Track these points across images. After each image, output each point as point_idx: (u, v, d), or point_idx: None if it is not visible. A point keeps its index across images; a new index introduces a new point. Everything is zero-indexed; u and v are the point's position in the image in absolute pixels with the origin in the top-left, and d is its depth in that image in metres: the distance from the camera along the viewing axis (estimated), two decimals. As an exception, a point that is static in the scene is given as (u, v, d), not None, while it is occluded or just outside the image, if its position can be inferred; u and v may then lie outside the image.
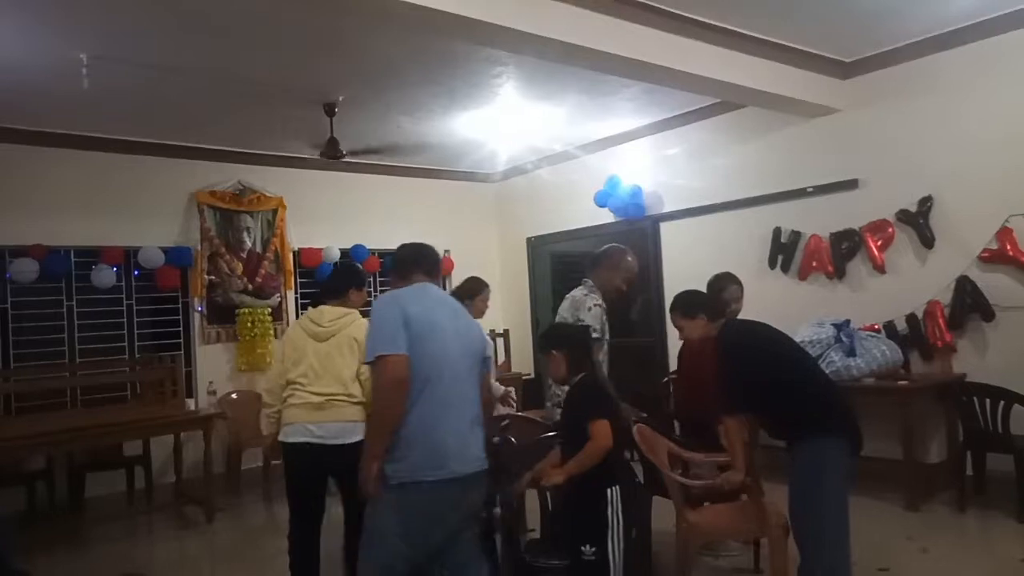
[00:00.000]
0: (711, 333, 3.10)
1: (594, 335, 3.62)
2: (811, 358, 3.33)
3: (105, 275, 5.96)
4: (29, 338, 5.77)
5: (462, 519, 2.58)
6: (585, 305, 3.71)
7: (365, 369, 3.19)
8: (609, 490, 2.72)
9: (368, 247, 7.32)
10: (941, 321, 4.81)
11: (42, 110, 5.27)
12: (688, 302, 3.21)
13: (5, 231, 5.58)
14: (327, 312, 3.44)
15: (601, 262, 3.90)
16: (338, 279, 3.70)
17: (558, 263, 7.97)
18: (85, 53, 4.17)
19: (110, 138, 5.96)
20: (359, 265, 4.05)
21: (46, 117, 5.45)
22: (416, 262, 2.77)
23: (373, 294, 7.19)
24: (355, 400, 3.30)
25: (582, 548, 2.68)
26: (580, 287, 3.86)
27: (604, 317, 3.74)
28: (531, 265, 7.94)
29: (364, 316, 3.14)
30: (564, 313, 3.77)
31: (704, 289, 3.87)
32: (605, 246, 4.05)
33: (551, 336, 3.11)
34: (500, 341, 7.18)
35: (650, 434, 3.58)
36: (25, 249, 5.65)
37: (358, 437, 3.13)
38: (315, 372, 3.31)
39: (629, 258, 3.93)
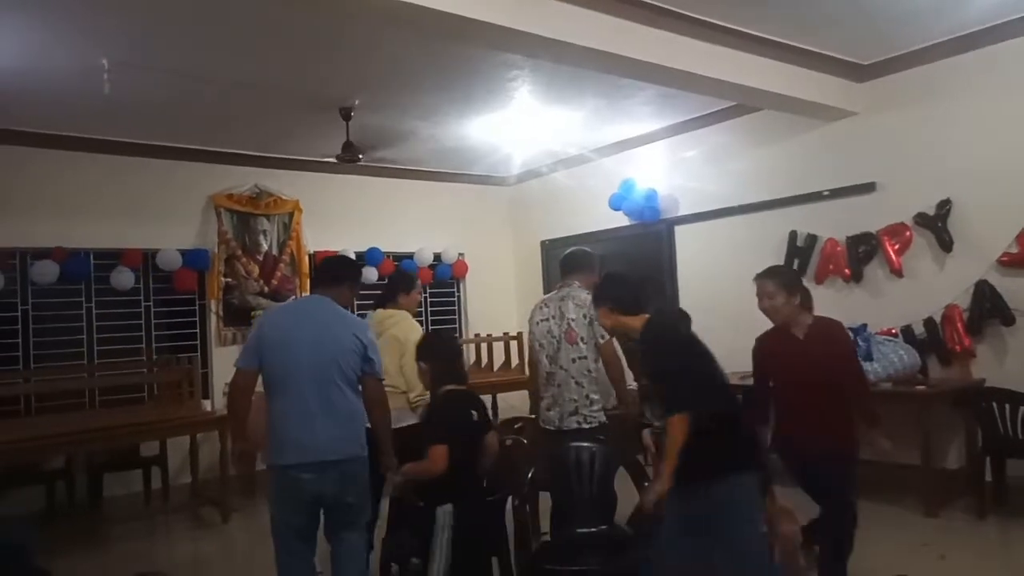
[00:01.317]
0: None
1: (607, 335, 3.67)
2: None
3: (124, 277, 6.03)
4: (49, 339, 5.84)
5: (325, 506, 2.97)
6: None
7: (408, 362, 3.66)
8: (439, 509, 2.84)
9: (383, 250, 7.35)
10: (960, 326, 4.76)
11: (64, 114, 5.34)
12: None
13: (27, 233, 5.66)
14: (378, 315, 4.04)
15: (589, 265, 3.97)
16: (387, 286, 4.30)
17: (572, 266, 7.95)
18: (107, 58, 4.23)
19: (129, 142, 6.03)
20: (409, 272, 4.40)
21: (67, 121, 5.53)
22: (316, 277, 3.50)
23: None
24: (398, 390, 3.77)
25: (412, 559, 2.89)
26: (568, 288, 3.86)
27: None
28: (545, 268, 7.94)
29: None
30: (573, 315, 3.76)
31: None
32: (573, 250, 4.08)
33: (422, 346, 3.31)
34: (514, 344, 7.17)
35: (660, 442, 3.57)
36: (46, 251, 5.73)
37: (402, 423, 3.48)
38: None
39: (596, 262, 4.05)
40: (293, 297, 6.79)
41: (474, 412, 3.08)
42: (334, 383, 2.96)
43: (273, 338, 3.05)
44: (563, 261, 4.08)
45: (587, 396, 3.68)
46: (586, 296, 3.76)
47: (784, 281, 3.21)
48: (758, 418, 3.26)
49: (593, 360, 3.73)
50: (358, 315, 3.87)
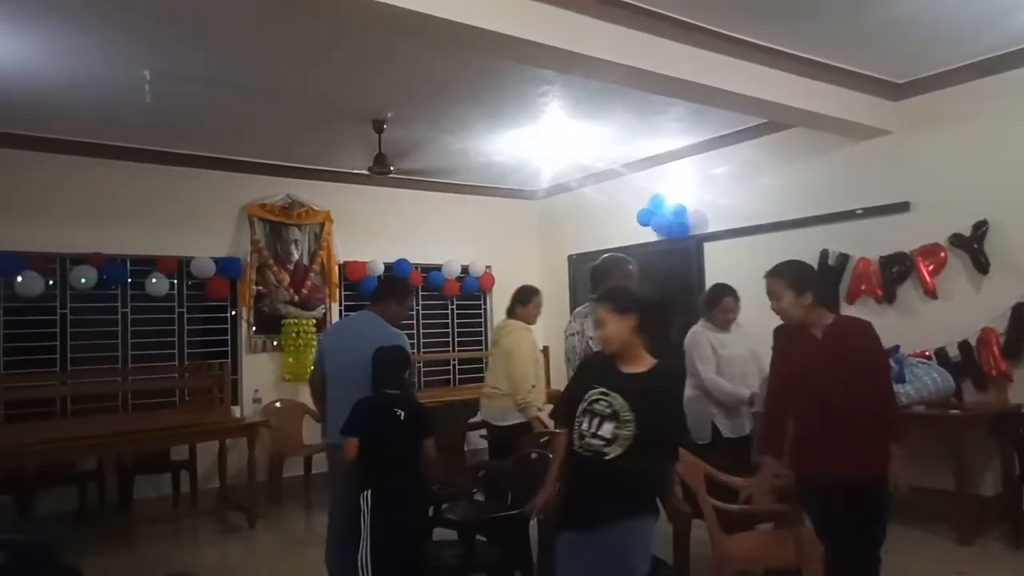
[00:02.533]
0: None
1: None
2: None
3: (159, 283, 6.15)
4: (86, 343, 5.98)
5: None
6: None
7: (513, 369, 4.44)
8: (362, 495, 3.19)
9: (412, 261, 7.41)
10: (996, 349, 4.66)
11: (103, 124, 5.49)
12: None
13: (67, 239, 5.82)
14: (497, 325, 4.90)
15: (613, 273, 3.87)
16: (511, 298, 4.79)
17: (600, 281, 7.94)
18: (149, 70, 4.35)
19: (167, 151, 6.17)
20: (529, 286, 4.81)
21: (107, 130, 5.68)
22: (370, 294, 4.40)
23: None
24: (503, 392, 4.48)
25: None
26: (594, 303, 3.84)
27: None
28: (572, 283, 7.93)
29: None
30: (591, 332, 3.74)
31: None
32: (605, 259, 4.02)
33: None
34: (540, 357, 7.16)
35: (687, 456, 3.54)
36: (85, 257, 5.88)
37: (506, 422, 4.44)
38: (490, 370, 4.78)
39: (631, 266, 3.98)
40: (322, 307, 6.90)
41: (400, 412, 3.30)
42: (362, 383, 3.44)
43: (327, 345, 3.91)
44: (591, 271, 4.05)
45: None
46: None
47: (790, 279, 2.88)
48: (774, 439, 2.93)
49: None
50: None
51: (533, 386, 4.48)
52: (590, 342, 3.72)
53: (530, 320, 4.71)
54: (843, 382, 2.75)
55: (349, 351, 3.62)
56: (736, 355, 4.29)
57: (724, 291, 4.39)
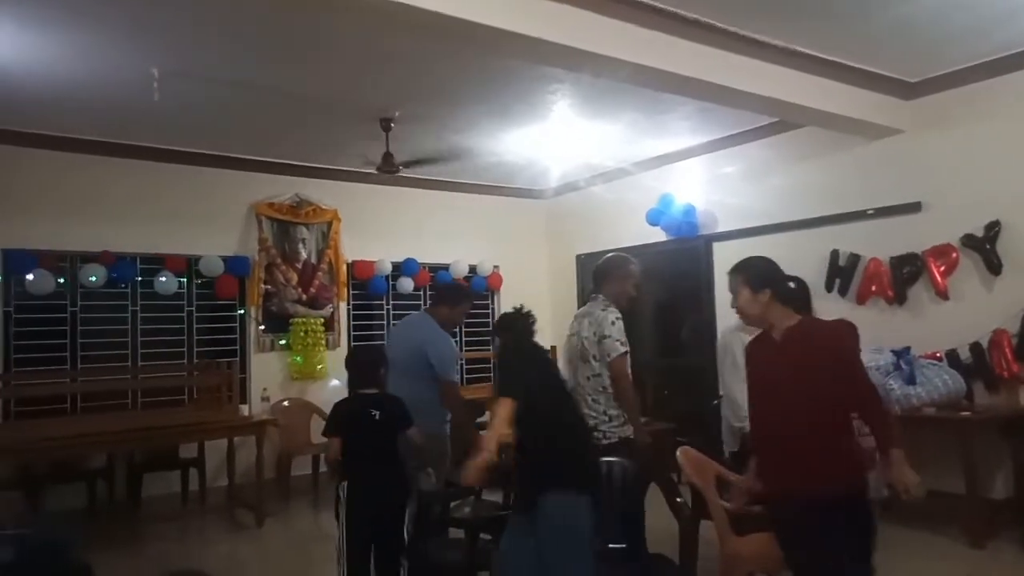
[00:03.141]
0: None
1: (622, 349, 3.64)
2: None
3: (168, 282, 6.18)
4: (95, 340, 6.01)
5: None
6: (608, 320, 3.69)
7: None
8: (339, 486, 3.32)
9: (420, 261, 7.42)
10: (1008, 351, 4.62)
11: (112, 122, 5.51)
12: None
13: (76, 237, 5.84)
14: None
15: (611, 274, 3.87)
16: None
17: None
18: (157, 68, 4.36)
19: (175, 150, 6.19)
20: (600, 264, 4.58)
21: (116, 129, 5.70)
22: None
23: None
24: None
25: None
26: (592, 303, 3.84)
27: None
28: (580, 282, 7.92)
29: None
30: (586, 333, 3.73)
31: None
32: (605, 259, 4.01)
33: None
34: (548, 357, 7.16)
35: (697, 457, 3.53)
36: (95, 255, 5.91)
37: None
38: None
39: (632, 265, 3.94)
40: (330, 306, 6.91)
41: (375, 412, 3.37)
42: (407, 375, 3.77)
43: (387, 342, 4.51)
44: (593, 272, 4.05)
45: (605, 412, 3.66)
46: (601, 314, 3.72)
47: (746, 275, 2.75)
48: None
49: (608, 377, 3.69)
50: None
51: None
52: (585, 342, 3.72)
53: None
54: (798, 391, 2.57)
55: (397, 347, 3.97)
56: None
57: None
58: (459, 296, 4.26)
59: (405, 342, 4.02)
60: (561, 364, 3.96)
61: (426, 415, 3.64)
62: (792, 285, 3.05)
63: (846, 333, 2.78)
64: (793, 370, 2.59)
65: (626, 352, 3.65)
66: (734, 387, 3.80)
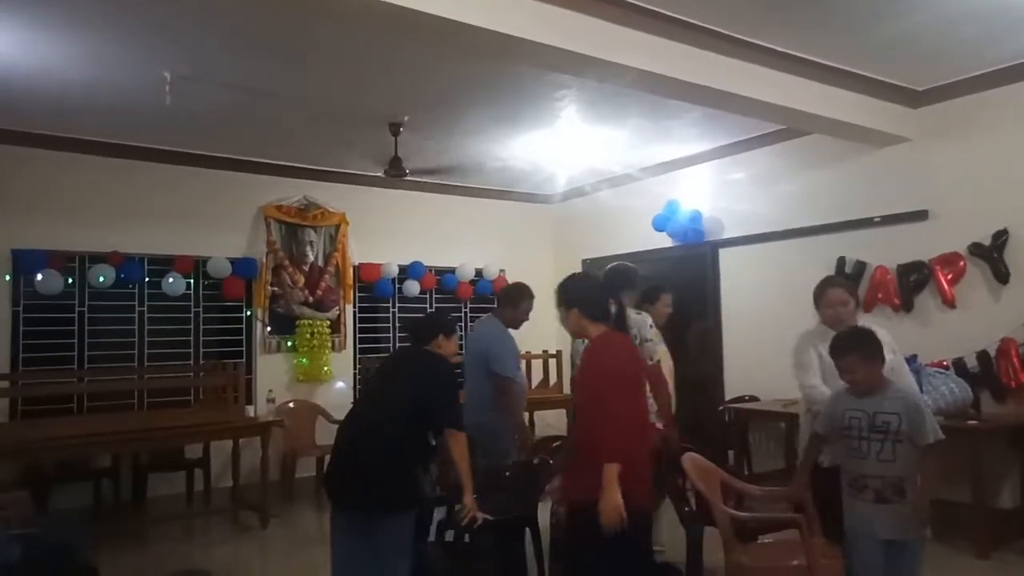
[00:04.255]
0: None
1: (657, 355, 3.65)
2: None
3: (176, 283, 6.21)
4: (102, 340, 6.04)
5: None
6: (647, 323, 3.78)
7: None
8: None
9: (426, 264, 7.43)
10: (1015, 360, 4.60)
11: (123, 124, 5.55)
12: None
13: (85, 238, 5.88)
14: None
15: (634, 282, 4.02)
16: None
17: (614, 286, 7.93)
18: (170, 72, 4.40)
19: (185, 152, 6.23)
20: (654, 284, 4.57)
21: (127, 131, 5.74)
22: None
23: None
24: None
25: None
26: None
27: None
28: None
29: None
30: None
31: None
32: (617, 265, 4.10)
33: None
34: (553, 362, 7.17)
35: (702, 463, 3.52)
36: (103, 255, 5.94)
37: None
38: None
39: (635, 275, 4.14)
40: (337, 309, 6.93)
41: None
42: (478, 376, 4.09)
43: (465, 346, 4.64)
44: (609, 277, 4.03)
45: None
46: (635, 316, 3.75)
47: (558, 296, 3.01)
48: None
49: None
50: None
51: None
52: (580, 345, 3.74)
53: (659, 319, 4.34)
54: (577, 404, 2.92)
55: (470, 351, 4.35)
56: None
57: (829, 282, 3.59)
58: (519, 296, 4.41)
59: (474, 344, 4.37)
60: (572, 366, 3.98)
61: (490, 412, 3.98)
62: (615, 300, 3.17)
63: (601, 351, 2.81)
64: (576, 385, 2.97)
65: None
66: (807, 388, 3.46)
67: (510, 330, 4.31)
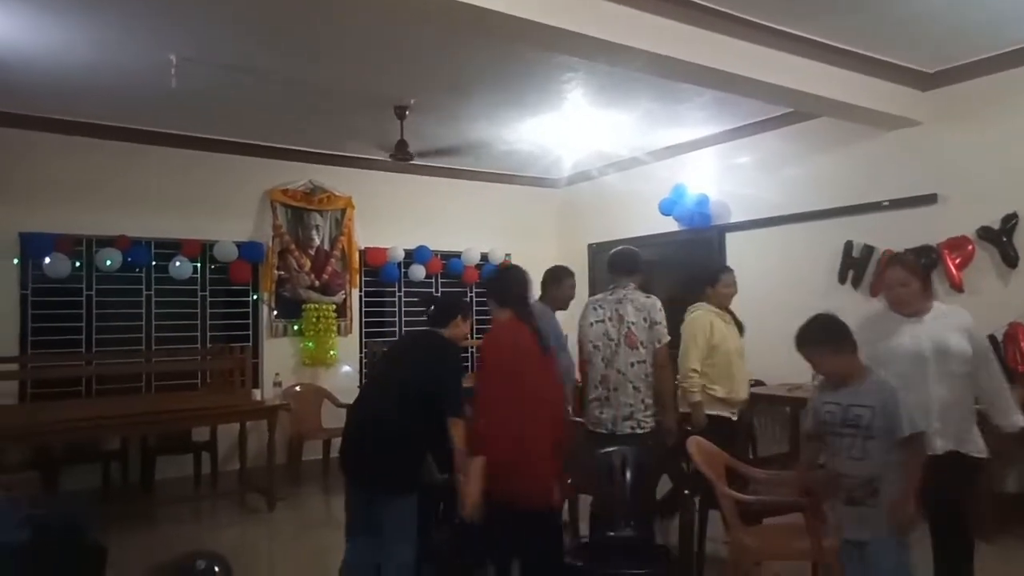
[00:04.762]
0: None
1: (668, 337, 3.75)
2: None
3: (182, 267, 6.22)
4: (110, 324, 6.07)
5: None
6: (656, 306, 3.79)
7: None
8: None
9: (431, 248, 7.43)
10: (1023, 345, 4.58)
11: (130, 108, 5.54)
12: None
13: (92, 222, 5.90)
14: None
15: (641, 267, 3.99)
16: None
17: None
18: (175, 54, 4.38)
19: (191, 136, 6.23)
20: (712, 268, 4.60)
21: (133, 115, 5.74)
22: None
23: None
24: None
25: None
26: (622, 290, 3.85)
27: None
28: (591, 271, 7.91)
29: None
30: (633, 318, 3.75)
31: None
32: (624, 249, 4.07)
33: None
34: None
35: (707, 447, 3.53)
36: (111, 239, 5.96)
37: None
38: None
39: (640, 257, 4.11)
40: (342, 292, 6.94)
41: None
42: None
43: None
44: (617, 261, 4.00)
45: (643, 401, 3.66)
46: (645, 299, 3.75)
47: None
48: None
49: (651, 365, 3.70)
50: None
51: (694, 370, 4.07)
52: (632, 327, 3.77)
53: (720, 302, 4.32)
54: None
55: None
56: (903, 348, 2.97)
57: (892, 260, 3.27)
58: (559, 276, 4.37)
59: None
60: (579, 349, 3.98)
61: None
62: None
63: (485, 341, 3.08)
64: None
65: (669, 340, 3.77)
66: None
67: (558, 312, 4.31)
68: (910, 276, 3.00)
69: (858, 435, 2.51)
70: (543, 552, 2.81)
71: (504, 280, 3.18)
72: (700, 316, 4.22)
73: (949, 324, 2.98)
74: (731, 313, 4.30)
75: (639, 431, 3.61)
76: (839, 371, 2.59)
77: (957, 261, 4.93)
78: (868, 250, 5.43)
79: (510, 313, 2.96)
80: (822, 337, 2.61)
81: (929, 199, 5.09)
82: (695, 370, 4.06)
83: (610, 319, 3.79)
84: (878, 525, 2.49)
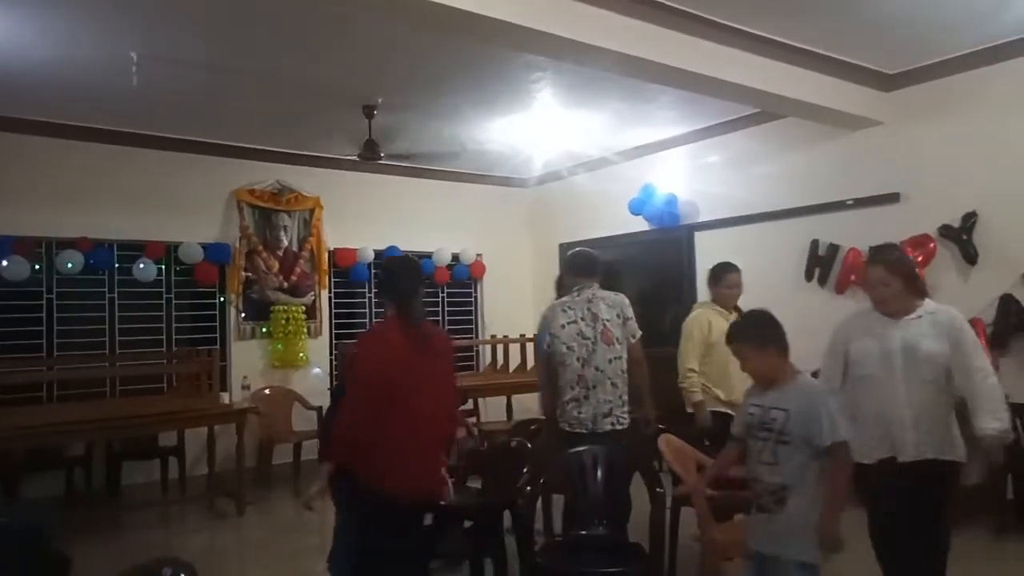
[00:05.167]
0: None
1: (640, 332, 3.74)
2: None
3: (147, 269, 6.10)
4: (72, 328, 5.94)
5: None
6: (626, 303, 3.81)
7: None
8: None
9: (402, 248, 7.38)
10: (983, 340, 4.69)
11: (91, 107, 5.42)
12: None
13: (53, 223, 5.76)
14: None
15: (599, 267, 3.95)
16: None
17: (590, 270, 7.95)
18: (136, 52, 4.29)
19: (155, 135, 6.11)
20: (719, 265, 4.40)
21: (95, 113, 5.61)
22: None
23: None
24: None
25: None
26: (597, 290, 3.85)
27: None
28: (562, 271, 7.92)
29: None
30: (607, 315, 3.74)
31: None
32: (583, 251, 4.02)
33: None
34: (530, 346, 7.17)
35: (678, 444, 3.56)
36: (71, 241, 5.82)
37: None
38: None
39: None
40: (312, 293, 6.88)
41: None
42: None
43: None
44: (577, 263, 3.99)
45: (620, 397, 3.67)
46: (615, 297, 3.77)
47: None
48: None
49: (626, 361, 3.72)
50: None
51: (692, 370, 4.13)
52: (608, 324, 3.74)
53: (725, 302, 4.30)
54: None
55: None
56: (873, 349, 2.89)
57: (871, 258, 3.12)
58: (715, 274, 4.34)
59: None
60: (551, 349, 3.97)
61: None
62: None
63: (358, 341, 3.15)
64: None
65: (642, 334, 3.78)
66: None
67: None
68: (891, 275, 2.86)
69: (770, 439, 2.41)
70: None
71: (389, 273, 3.04)
72: (699, 314, 4.27)
73: (928, 325, 2.86)
74: (739, 311, 4.17)
75: (619, 427, 3.62)
76: (762, 370, 2.51)
77: (919, 259, 5.02)
78: (834, 248, 5.52)
79: (394, 309, 2.79)
80: (748, 332, 2.56)
81: (892, 198, 5.19)
82: (692, 369, 4.09)
83: (583, 319, 3.79)
84: (785, 541, 2.37)
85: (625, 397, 3.68)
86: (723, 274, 4.32)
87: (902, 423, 2.78)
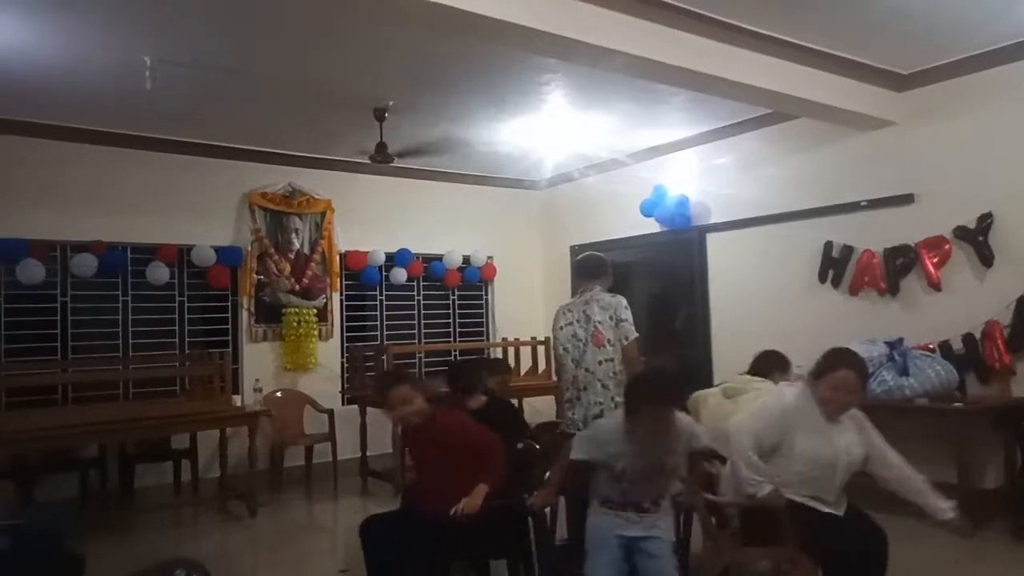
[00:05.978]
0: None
1: (636, 333, 3.74)
2: None
3: (160, 272, 6.14)
4: (86, 331, 5.97)
5: None
6: (622, 304, 3.79)
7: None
8: None
9: (413, 251, 7.40)
10: (1000, 342, 4.65)
11: (104, 110, 5.46)
12: None
13: (67, 227, 5.79)
14: None
15: (608, 271, 4.00)
16: None
17: (601, 272, 7.93)
18: (149, 56, 4.32)
19: (168, 139, 6.14)
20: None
21: (108, 117, 5.64)
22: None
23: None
24: None
25: None
26: (589, 292, 3.86)
27: None
28: (574, 273, 7.91)
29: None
30: (599, 317, 3.75)
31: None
32: (591, 255, 4.09)
33: None
34: (541, 348, 7.16)
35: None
36: (86, 244, 5.86)
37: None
38: None
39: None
40: (323, 296, 6.89)
41: None
42: None
43: None
44: (583, 266, 4.05)
45: (612, 399, 3.66)
46: (610, 299, 3.77)
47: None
48: None
49: (619, 362, 3.71)
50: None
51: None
52: (599, 326, 3.76)
53: None
54: None
55: None
56: (819, 455, 2.91)
57: (841, 358, 2.92)
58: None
59: None
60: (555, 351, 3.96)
61: None
62: None
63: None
64: None
65: (638, 336, 3.74)
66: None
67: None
68: (859, 383, 2.83)
69: None
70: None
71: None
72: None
73: (853, 430, 2.94)
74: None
75: None
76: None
77: (935, 260, 5.00)
78: (848, 250, 5.48)
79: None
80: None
81: (906, 199, 5.15)
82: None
83: (578, 321, 3.81)
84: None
85: (619, 399, 3.66)
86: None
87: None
